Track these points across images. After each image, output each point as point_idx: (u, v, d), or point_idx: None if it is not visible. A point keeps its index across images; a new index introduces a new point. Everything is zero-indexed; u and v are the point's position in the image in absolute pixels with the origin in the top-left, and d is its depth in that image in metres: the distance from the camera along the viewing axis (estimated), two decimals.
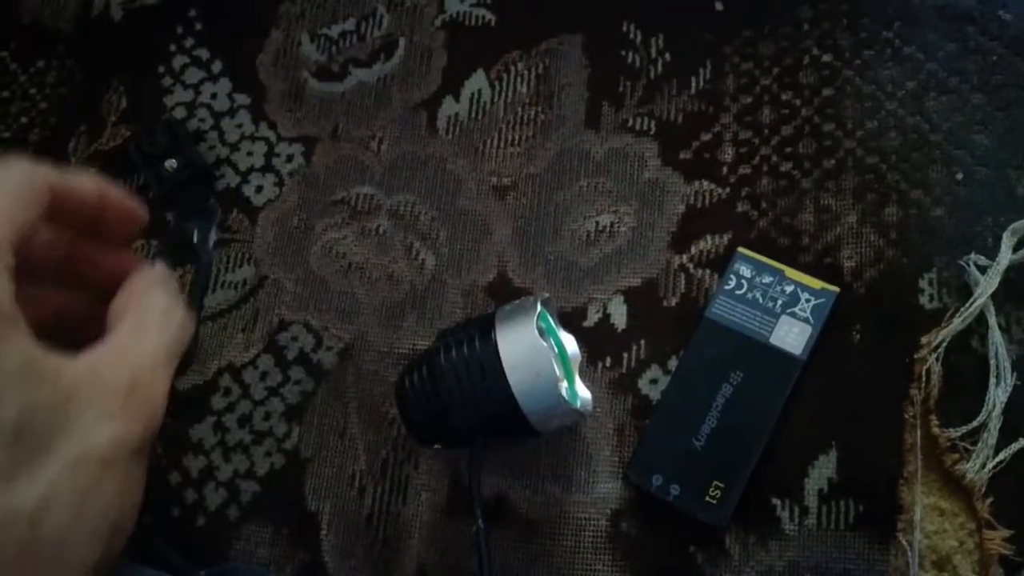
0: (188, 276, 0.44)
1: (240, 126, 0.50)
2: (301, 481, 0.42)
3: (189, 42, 0.52)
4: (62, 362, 0.30)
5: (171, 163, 0.47)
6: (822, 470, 0.39)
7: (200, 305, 0.44)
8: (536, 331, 0.35)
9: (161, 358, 0.32)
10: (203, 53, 0.52)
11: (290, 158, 0.49)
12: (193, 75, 0.51)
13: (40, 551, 0.28)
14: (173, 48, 0.52)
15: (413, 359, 0.39)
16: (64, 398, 0.30)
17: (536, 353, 0.35)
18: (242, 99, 0.50)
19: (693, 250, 0.43)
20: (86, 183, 0.35)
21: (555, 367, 0.35)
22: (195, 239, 0.44)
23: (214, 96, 0.51)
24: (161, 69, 0.52)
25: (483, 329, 0.37)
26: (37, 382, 0.29)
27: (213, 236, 0.45)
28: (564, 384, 0.39)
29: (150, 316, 0.33)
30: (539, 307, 0.37)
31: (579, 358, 0.40)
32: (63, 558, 0.29)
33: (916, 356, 0.39)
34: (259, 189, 0.48)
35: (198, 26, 0.53)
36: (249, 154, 0.49)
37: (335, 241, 0.46)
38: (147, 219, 0.38)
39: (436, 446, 0.40)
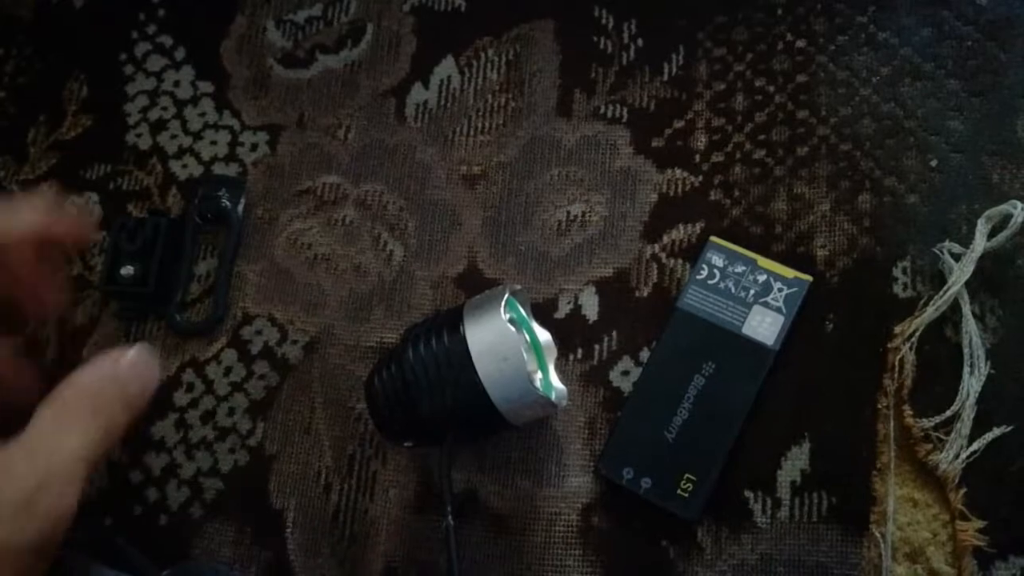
0: (221, 237, 0.46)
1: (203, 114, 0.48)
2: (266, 478, 0.41)
3: (151, 28, 0.51)
4: None
5: (128, 270, 0.43)
6: (795, 462, 0.38)
7: (230, 268, 0.45)
8: (503, 317, 0.35)
9: (80, 464, 0.29)
10: (166, 40, 0.51)
11: (254, 147, 0.47)
12: (155, 63, 0.50)
13: None
14: (135, 35, 0.51)
15: (382, 358, 0.38)
16: None
17: (503, 339, 0.34)
18: (205, 87, 0.49)
19: (665, 239, 0.42)
20: (25, 220, 0.34)
21: (523, 352, 0.34)
22: (225, 204, 0.45)
23: (177, 84, 0.49)
24: (123, 57, 0.51)
25: (451, 321, 0.36)
26: None
27: (241, 204, 0.46)
28: (538, 375, 0.38)
29: (75, 414, 0.30)
30: (507, 295, 0.36)
31: (554, 350, 0.40)
32: None
33: (889, 345, 0.38)
34: None
35: (161, 12, 0.51)
36: (212, 143, 0.48)
37: (300, 232, 0.45)
38: (95, 237, 0.40)
39: (408, 444, 0.39)
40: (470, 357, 0.34)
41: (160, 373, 0.42)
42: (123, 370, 0.32)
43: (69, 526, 0.29)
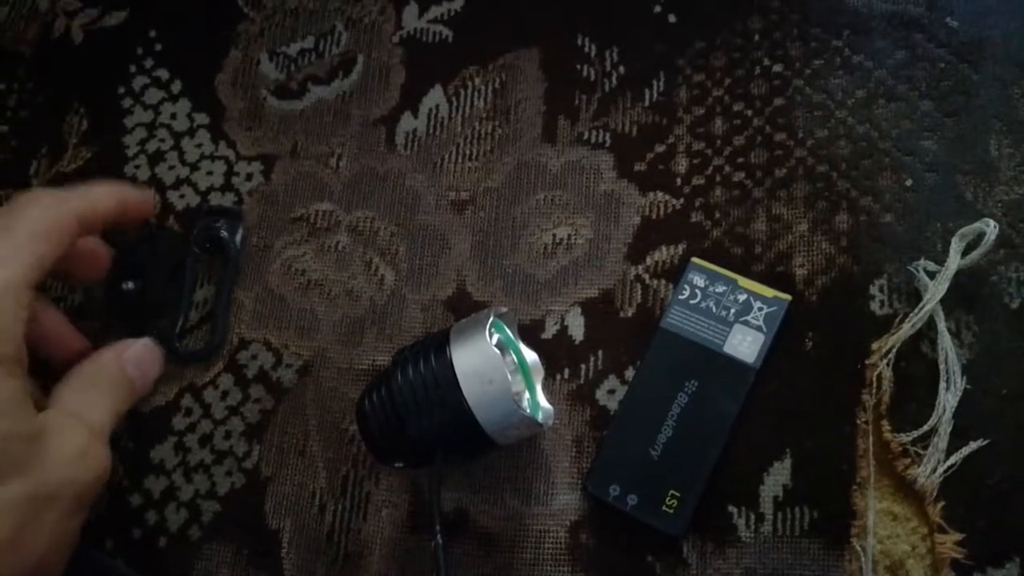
0: (217, 265, 0.47)
1: (200, 145, 0.50)
2: (262, 500, 0.42)
3: (149, 63, 0.53)
4: (41, 403, 0.33)
5: (128, 285, 0.44)
6: (777, 477, 0.39)
7: (228, 296, 0.46)
8: (488, 339, 0.36)
9: (105, 430, 0.35)
10: (163, 73, 0.52)
11: (249, 176, 0.49)
12: (153, 95, 0.52)
13: None
14: (133, 69, 0.53)
15: (372, 381, 0.39)
16: (35, 435, 0.32)
17: (488, 360, 0.35)
18: (201, 118, 0.51)
19: (648, 261, 0.43)
20: (107, 198, 0.38)
21: (507, 373, 0.35)
22: (224, 235, 0.46)
23: (173, 116, 0.51)
24: (121, 90, 0.52)
25: (438, 344, 0.37)
26: (20, 415, 0.31)
27: (239, 234, 0.46)
28: (526, 396, 0.39)
29: (95, 390, 0.36)
30: (492, 317, 0.37)
31: (541, 370, 0.41)
32: None
33: (867, 362, 0.39)
34: None
35: (158, 46, 0.53)
36: (209, 173, 0.49)
37: (294, 258, 0.47)
38: (156, 209, 0.46)
39: (398, 464, 0.40)
40: (456, 379, 0.35)
41: (160, 397, 0.44)
42: (129, 358, 0.37)
43: (105, 480, 0.34)
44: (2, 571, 0.31)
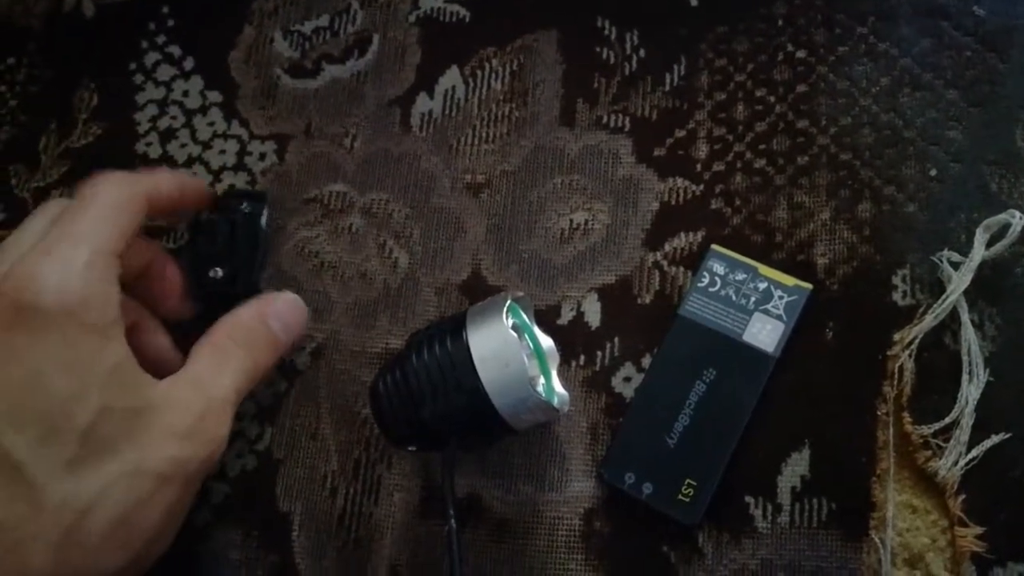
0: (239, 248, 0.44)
1: (212, 124, 0.49)
2: (273, 482, 0.42)
3: (161, 39, 0.52)
4: (145, 377, 0.33)
5: (216, 272, 0.42)
6: (795, 467, 0.38)
7: (256, 276, 0.45)
8: (504, 322, 0.35)
9: (232, 396, 0.35)
10: (175, 50, 0.51)
11: (263, 156, 0.48)
12: (165, 72, 0.51)
13: (80, 543, 0.30)
14: (145, 45, 0.52)
15: (386, 363, 0.38)
16: (139, 410, 0.32)
17: (505, 343, 0.35)
18: (214, 96, 0.50)
19: (667, 247, 0.43)
20: (169, 181, 0.39)
21: (524, 357, 0.35)
22: (245, 214, 0.44)
23: (186, 94, 0.50)
24: (132, 66, 0.51)
25: (454, 327, 0.37)
26: (121, 388, 0.31)
27: (264, 216, 0.45)
28: (541, 381, 0.39)
29: (229, 353, 0.36)
30: (508, 300, 0.36)
31: (556, 356, 0.40)
32: (94, 557, 0.30)
33: (889, 353, 0.39)
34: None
35: (170, 23, 0.52)
36: (221, 152, 0.48)
37: (307, 240, 0.46)
38: (213, 197, 0.44)
39: (411, 448, 0.40)
40: (472, 362, 0.35)
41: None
42: (273, 312, 0.38)
43: (221, 453, 0.34)
44: (111, 551, 0.30)
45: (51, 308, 0.30)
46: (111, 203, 0.34)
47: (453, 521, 0.36)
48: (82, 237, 0.32)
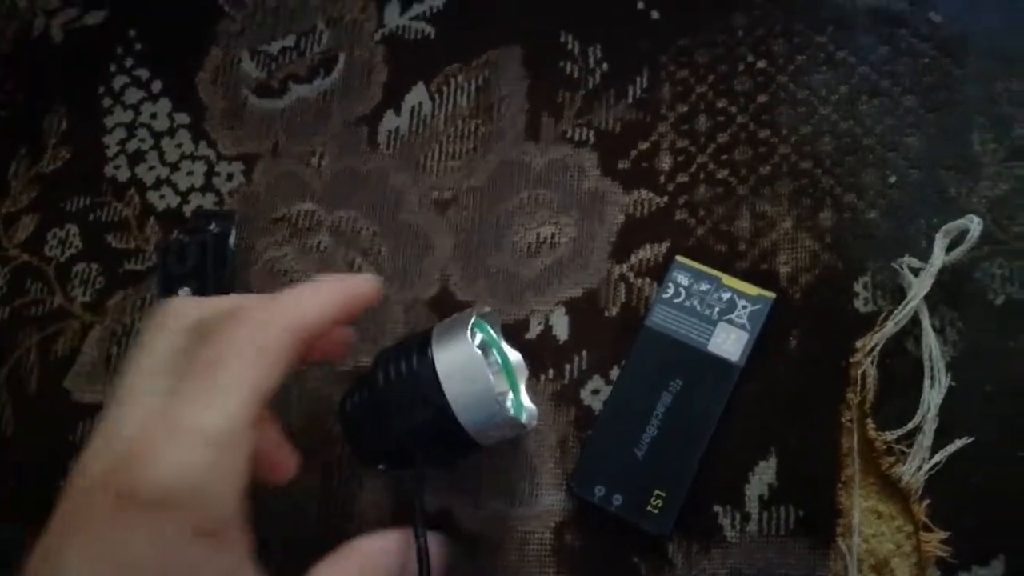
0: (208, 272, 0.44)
1: (180, 145, 0.49)
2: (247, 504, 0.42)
3: (129, 62, 0.52)
4: None
5: (185, 291, 0.43)
6: (762, 476, 0.39)
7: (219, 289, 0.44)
8: (469, 339, 0.35)
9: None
10: (143, 73, 0.52)
11: (230, 176, 0.48)
12: (133, 95, 0.51)
13: None
14: (113, 68, 0.52)
15: (354, 382, 0.39)
16: None
17: (470, 360, 0.35)
18: (182, 118, 0.50)
19: (633, 259, 0.43)
20: (326, 302, 0.31)
21: (489, 374, 0.35)
22: (218, 238, 0.44)
23: (154, 116, 0.50)
24: (101, 90, 0.52)
25: (420, 344, 0.37)
26: None
27: (233, 236, 0.45)
28: (509, 396, 0.39)
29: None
30: (474, 317, 0.37)
31: (525, 370, 0.40)
32: None
33: (852, 360, 0.39)
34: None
35: (138, 46, 0.52)
36: (189, 174, 0.49)
37: (276, 259, 0.46)
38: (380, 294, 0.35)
39: (381, 467, 0.40)
40: (438, 380, 0.35)
41: None
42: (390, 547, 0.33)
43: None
44: None
45: (158, 501, 0.24)
46: (244, 357, 0.26)
47: (423, 539, 0.36)
48: (214, 404, 0.25)
